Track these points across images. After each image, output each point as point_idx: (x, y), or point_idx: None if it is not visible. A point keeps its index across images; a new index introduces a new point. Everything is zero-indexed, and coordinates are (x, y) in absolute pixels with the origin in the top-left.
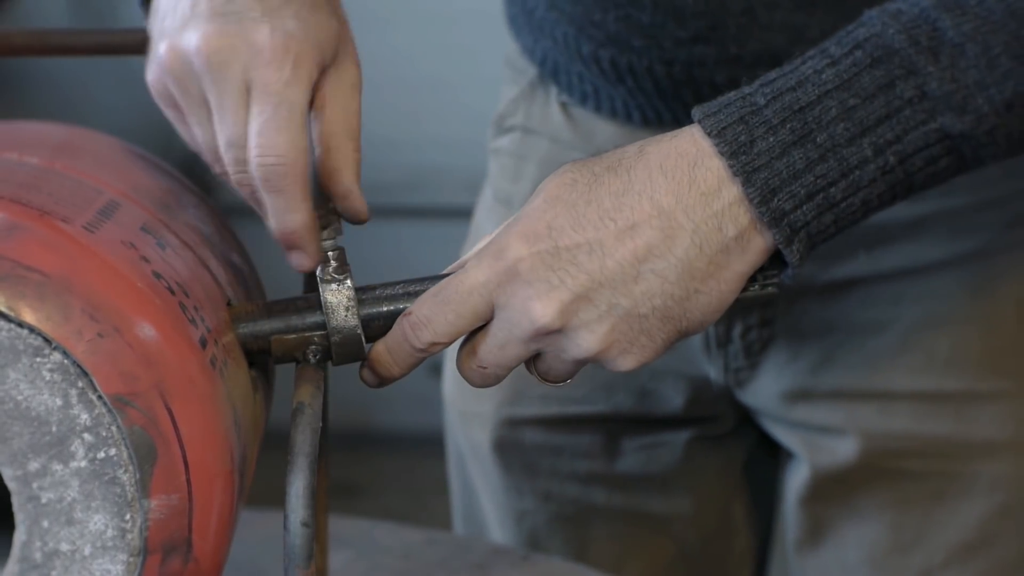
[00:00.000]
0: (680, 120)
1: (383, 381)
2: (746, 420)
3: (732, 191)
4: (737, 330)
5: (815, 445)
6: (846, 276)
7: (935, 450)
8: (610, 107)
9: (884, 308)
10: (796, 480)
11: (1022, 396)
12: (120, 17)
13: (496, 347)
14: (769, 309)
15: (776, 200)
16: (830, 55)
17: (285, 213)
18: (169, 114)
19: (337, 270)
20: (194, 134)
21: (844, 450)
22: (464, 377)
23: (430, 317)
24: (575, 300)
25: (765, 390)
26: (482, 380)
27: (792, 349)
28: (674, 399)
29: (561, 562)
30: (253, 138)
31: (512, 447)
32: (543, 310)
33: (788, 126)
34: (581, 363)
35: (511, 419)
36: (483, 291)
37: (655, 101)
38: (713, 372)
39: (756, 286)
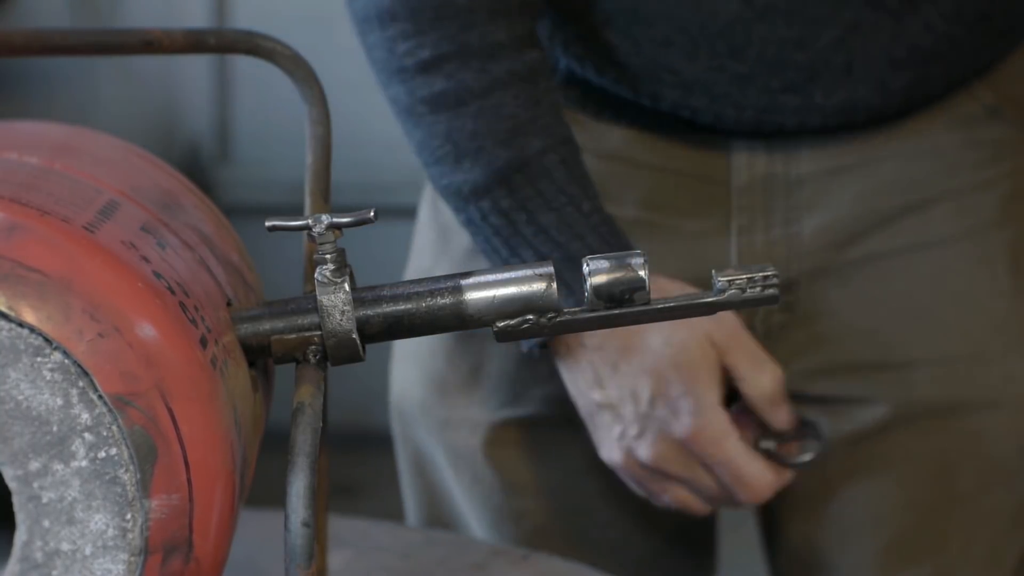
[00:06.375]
0: (712, 125)
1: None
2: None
3: None
4: (758, 315)
5: (837, 412)
6: (861, 255)
7: (945, 411)
8: (633, 120)
9: (899, 282)
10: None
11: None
12: (120, 17)
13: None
14: (790, 293)
15: None
16: None
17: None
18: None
19: (335, 273)
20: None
21: (864, 417)
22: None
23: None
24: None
25: (785, 369)
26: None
27: (812, 328)
28: None
29: (561, 561)
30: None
31: (511, 447)
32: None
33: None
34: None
35: (509, 420)
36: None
37: (697, 127)
38: None
39: (758, 288)
